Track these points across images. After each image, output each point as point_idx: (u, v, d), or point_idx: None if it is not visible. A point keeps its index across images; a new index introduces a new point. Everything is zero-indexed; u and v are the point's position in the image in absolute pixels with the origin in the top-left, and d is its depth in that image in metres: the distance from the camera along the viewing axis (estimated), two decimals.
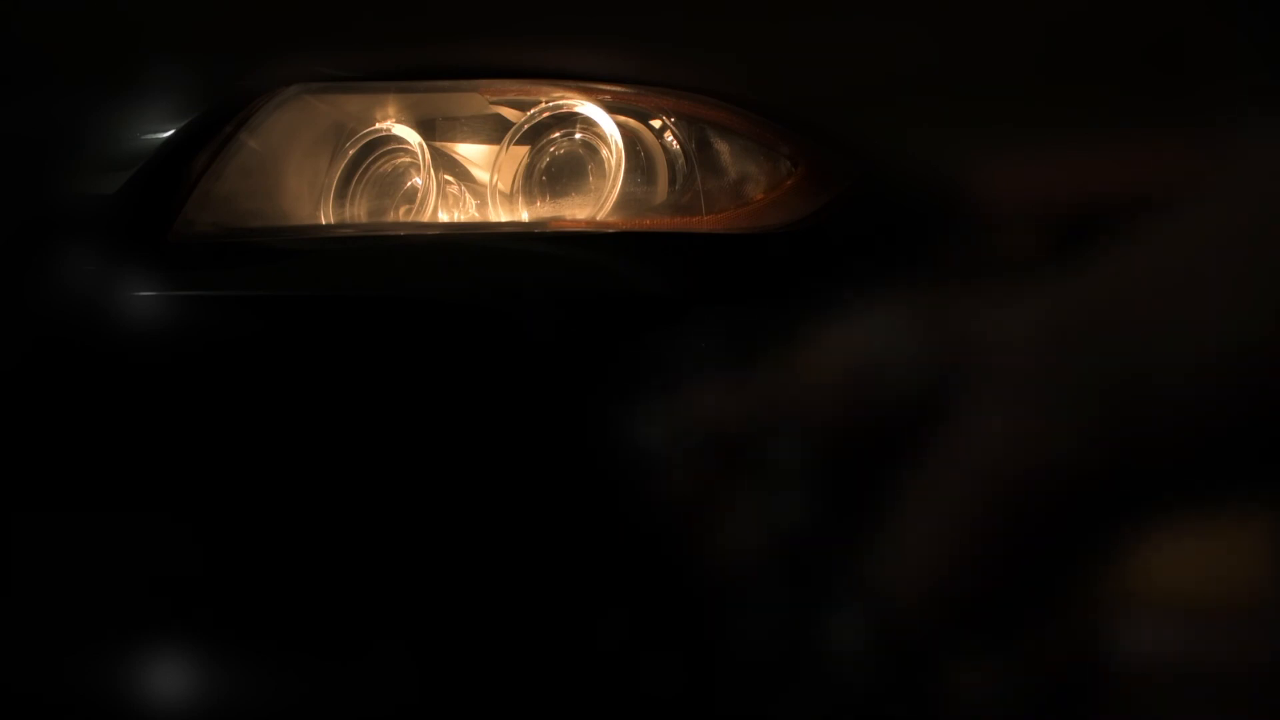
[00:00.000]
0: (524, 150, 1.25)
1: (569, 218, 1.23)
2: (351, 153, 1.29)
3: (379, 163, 1.30)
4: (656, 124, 1.23)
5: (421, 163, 1.27)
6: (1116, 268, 1.10)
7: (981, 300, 1.13)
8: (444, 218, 1.27)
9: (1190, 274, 1.10)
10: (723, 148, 1.22)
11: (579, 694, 1.17)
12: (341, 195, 1.29)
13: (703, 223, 1.20)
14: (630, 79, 1.24)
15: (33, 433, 1.19)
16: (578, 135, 1.24)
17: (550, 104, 1.24)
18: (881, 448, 1.12)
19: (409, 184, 1.29)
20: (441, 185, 1.27)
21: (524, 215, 1.25)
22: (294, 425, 1.17)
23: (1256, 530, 1.11)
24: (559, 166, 1.25)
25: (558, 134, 1.25)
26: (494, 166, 1.26)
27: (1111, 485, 1.10)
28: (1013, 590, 1.11)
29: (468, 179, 1.29)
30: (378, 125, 1.29)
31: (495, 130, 1.27)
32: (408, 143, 1.28)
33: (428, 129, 1.28)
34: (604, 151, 1.23)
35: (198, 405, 1.17)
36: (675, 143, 1.23)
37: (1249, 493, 1.11)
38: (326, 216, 1.28)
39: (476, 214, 1.28)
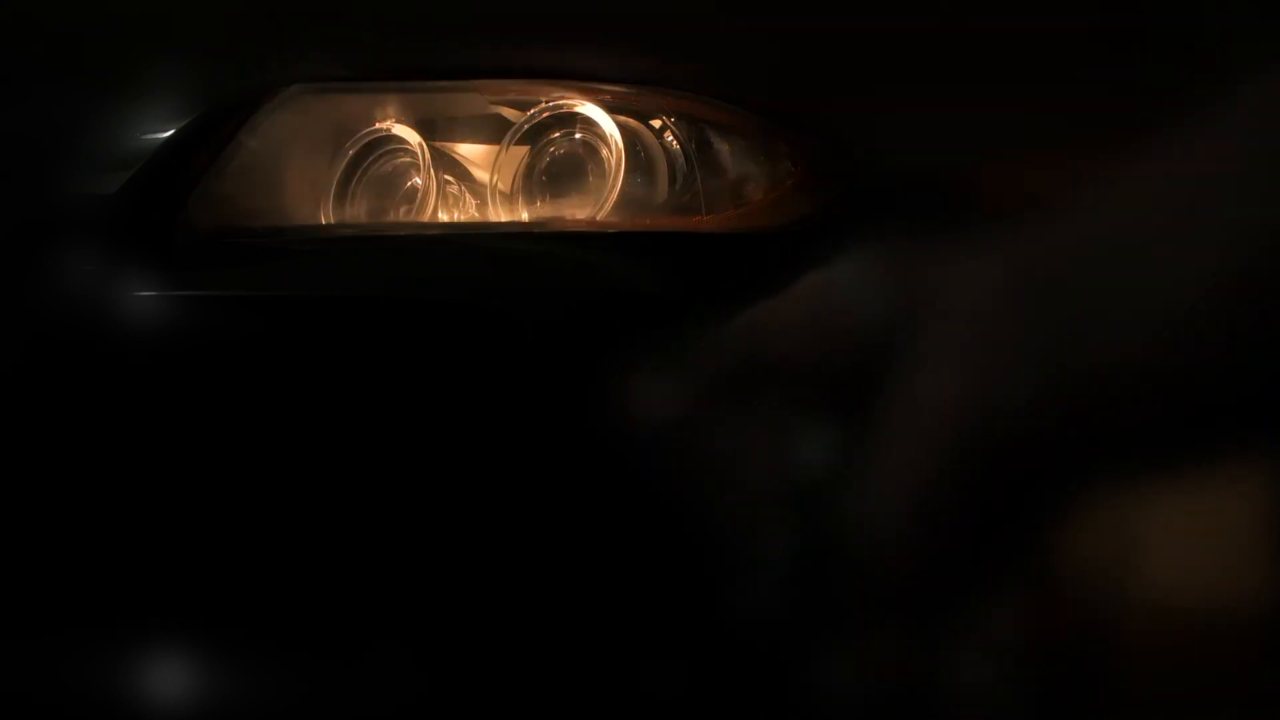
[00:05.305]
0: (524, 150, 1.25)
1: (569, 218, 1.23)
2: (351, 153, 1.29)
3: (379, 163, 1.29)
4: (656, 124, 1.23)
5: (421, 163, 1.27)
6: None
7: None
8: (444, 218, 1.27)
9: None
10: (723, 148, 1.23)
11: (578, 694, 1.17)
12: (342, 195, 1.29)
13: (703, 223, 1.21)
14: (630, 79, 1.24)
15: (34, 432, 1.19)
16: (578, 135, 1.24)
17: (550, 104, 1.24)
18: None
19: (409, 184, 1.29)
20: (441, 185, 1.27)
21: (524, 215, 1.25)
22: (294, 425, 1.17)
23: (1230, 493, 1.11)
24: (559, 166, 1.25)
25: (558, 134, 1.25)
26: (494, 166, 1.26)
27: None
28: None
29: (468, 179, 1.29)
30: (378, 125, 1.29)
31: (495, 130, 1.27)
32: (408, 143, 1.28)
33: (428, 129, 1.28)
34: (604, 151, 1.23)
35: (198, 405, 1.17)
36: (675, 143, 1.23)
37: (1224, 453, 1.11)
38: (327, 216, 1.28)
39: (476, 214, 1.28)
